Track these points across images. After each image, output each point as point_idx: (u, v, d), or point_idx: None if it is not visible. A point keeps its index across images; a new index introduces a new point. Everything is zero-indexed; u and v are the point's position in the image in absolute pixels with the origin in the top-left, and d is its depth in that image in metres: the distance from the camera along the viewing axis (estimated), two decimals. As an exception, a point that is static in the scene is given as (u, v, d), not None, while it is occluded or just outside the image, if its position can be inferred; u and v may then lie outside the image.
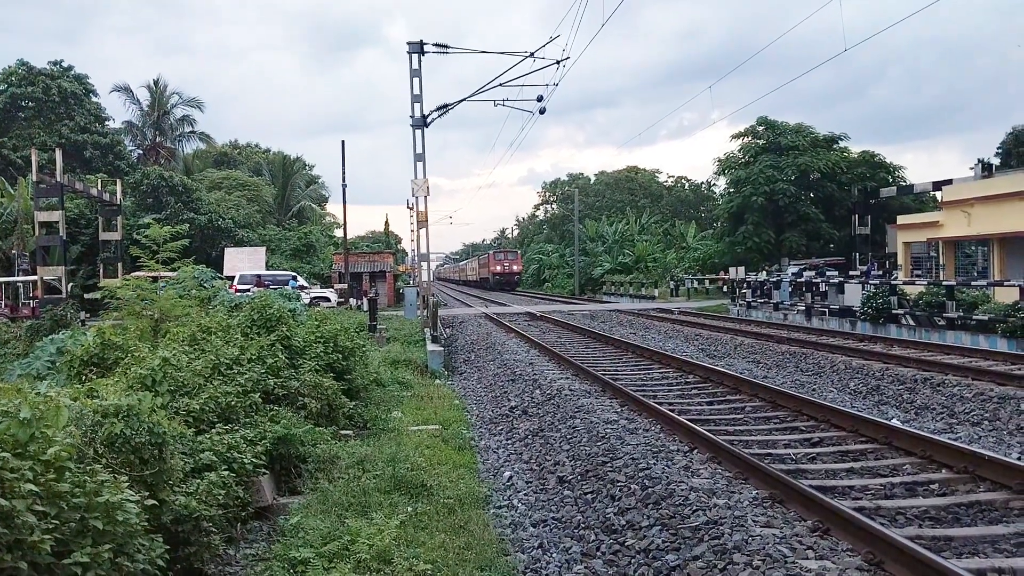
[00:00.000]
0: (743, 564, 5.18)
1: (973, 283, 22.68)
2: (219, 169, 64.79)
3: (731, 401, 11.56)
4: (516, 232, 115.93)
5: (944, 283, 22.02)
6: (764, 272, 36.33)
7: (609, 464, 8.04)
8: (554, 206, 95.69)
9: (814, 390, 13.06)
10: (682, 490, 6.73)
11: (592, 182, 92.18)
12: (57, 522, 3.83)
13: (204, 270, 21.46)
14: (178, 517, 5.29)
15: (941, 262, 31.47)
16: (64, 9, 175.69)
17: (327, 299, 37.33)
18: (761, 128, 47.17)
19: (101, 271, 36.66)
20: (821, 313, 26.19)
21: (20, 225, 38.83)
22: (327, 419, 10.00)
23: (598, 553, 6.21)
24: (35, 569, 3.63)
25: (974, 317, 19.51)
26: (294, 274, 39.65)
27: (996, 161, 41.21)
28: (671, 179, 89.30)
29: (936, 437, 8.32)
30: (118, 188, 38.73)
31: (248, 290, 27.47)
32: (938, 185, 33.12)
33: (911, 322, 21.76)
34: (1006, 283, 20.70)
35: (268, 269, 41.80)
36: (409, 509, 7.12)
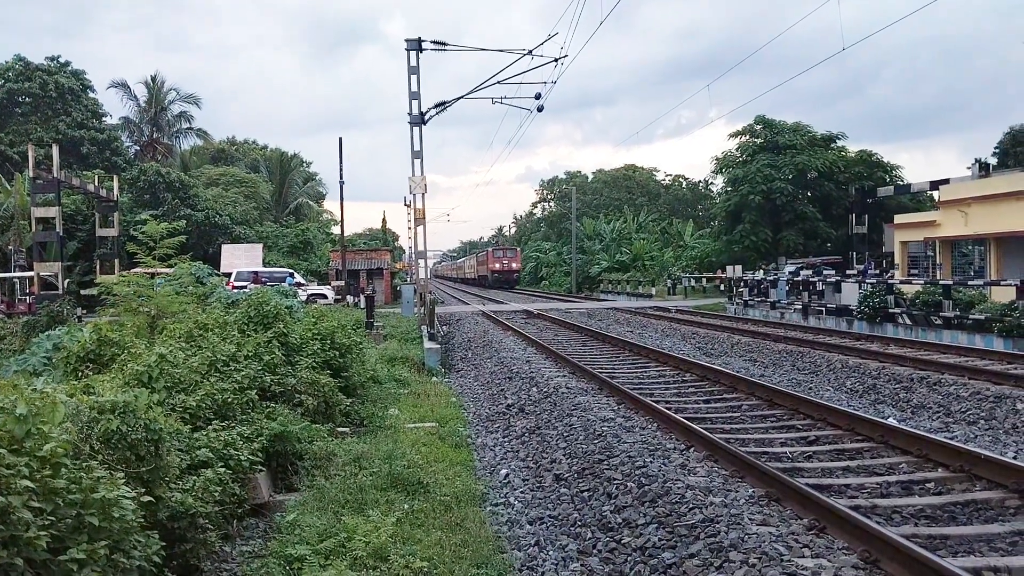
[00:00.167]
0: (739, 562, 5.19)
1: (970, 282, 22.73)
2: (216, 166, 64.65)
3: (728, 399, 11.57)
4: (514, 230, 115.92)
5: (941, 282, 22.06)
6: (761, 271, 36.36)
7: (606, 462, 8.05)
8: (552, 204, 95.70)
9: (811, 389, 13.08)
10: (678, 488, 6.74)
11: (590, 180, 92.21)
12: (53, 518, 3.83)
13: (201, 267, 21.43)
14: (174, 514, 5.29)
15: (938, 261, 31.53)
16: (62, 5, 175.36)
17: (324, 296, 37.27)
18: (759, 127, 47.22)
19: (98, 267, 36.57)
20: (818, 312, 26.22)
21: (16, 221, 38.75)
22: (324, 416, 10.00)
23: (594, 551, 6.22)
24: (31, 565, 3.63)
25: (970, 316, 19.55)
26: (291, 271, 39.59)
27: (993, 161, 41.29)
28: (669, 177, 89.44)
29: (932, 436, 8.34)
30: (115, 184, 38.62)
31: (245, 287, 27.42)
32: (935, 185, 33.15)
33: (908, 321, 21.80)
34: (1002, 283, 20.73)
35: (265, 266, 41.73)
36: (406, 506, 7.12)
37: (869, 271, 30.34)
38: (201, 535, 5.49)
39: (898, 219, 34.69)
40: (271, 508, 7.20)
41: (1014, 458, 8.06)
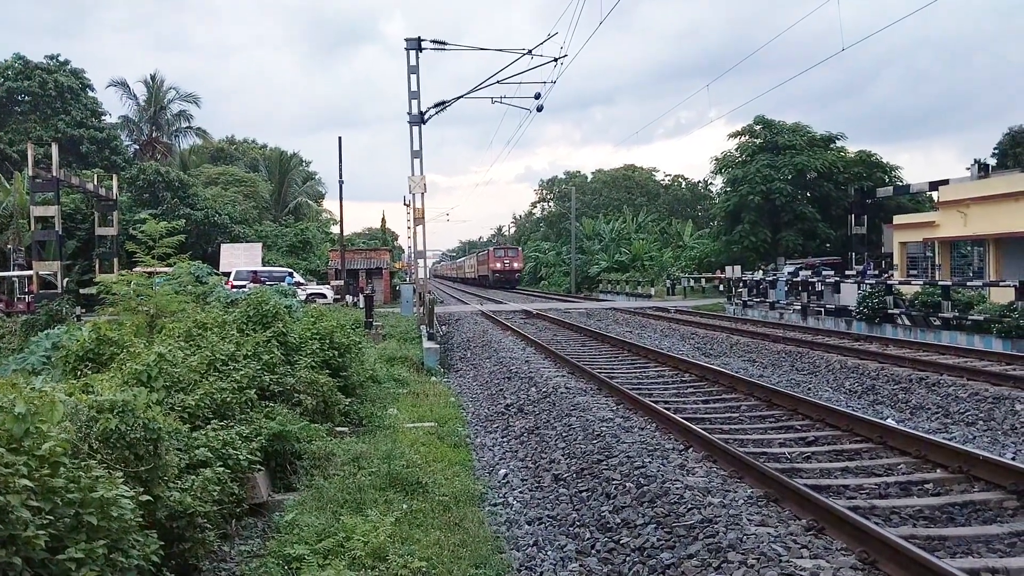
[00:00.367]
0: (738, 563, 5.19)
1: (969, 283, 22.73)
2: (216, 165, 64.59)
3: (727, 400, 11.57)
4: (513, 230, 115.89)
5: (940, 283, 22.07)
6: (760, 271, 36.36)
7: (604, 462, 8.05)
8: (551, 204, 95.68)
9: (809, 389, 13.08)
10: (677, 488, 6.74)
11: (589, 180, 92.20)
12: (51, 517, 3.83)
13: (200, 266, 21.41)
14: (173, 513, 5.29)
15: (937, 262, 31.55)
16: (62, 4, 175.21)
17: (323, 296, 37.25)
18: (758, 127, 47.24)
19: (97, 266, 36.54)
20: (817, 312, 26.23)
21: (16, 220, 38.71)
22: (323, 416, 9.99)
23: (593, 551, 6.22)
24: (29, 564, 3.63)
25: (969, 317, 19.56)
26: (290, 270, 39.59)
27: (992, 162, 41.31)
28: (668, 178, 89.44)
29: (931, 437, 8.34)
30: (114, 183, 38.61)
31: (244, 286, 27.42)
32: (935, 185, 33.18)
33: (907, 322, 21.81)
34: (1001, 283, 20.73)
35: (264, 265, 41.72)
36: (404, 506, 7.12)
37: (868, 272, 30.35)
38: (199, 534, 5.49)
39: (897, 220, 34.71)
40: (270, 508, 7.20)
41: (1012, 459, 8.07)
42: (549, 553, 6.38)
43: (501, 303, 41.28)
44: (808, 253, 42.82)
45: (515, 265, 69.67)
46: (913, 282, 24.76)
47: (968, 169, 33.91)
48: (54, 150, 31.89)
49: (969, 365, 13.70)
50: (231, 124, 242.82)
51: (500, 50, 26.64)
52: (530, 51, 25.67)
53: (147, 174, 46.45)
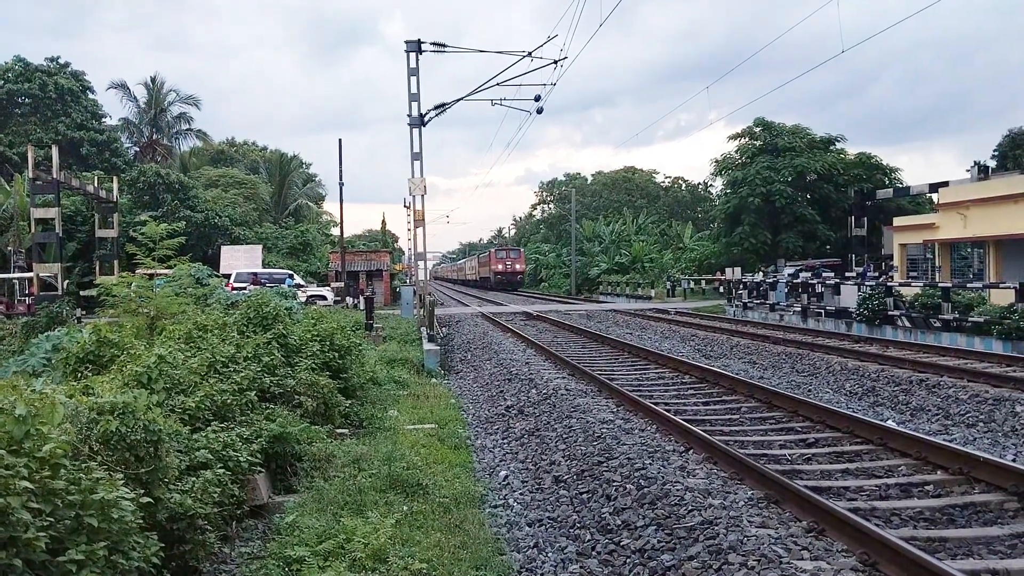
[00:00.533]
0: (738, 564, 5.19)
1: (969, 285, 22.73)
2: (216, 167, 64.63)
3: (727, 402, 11.57)
4: (513, 232, 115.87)
5: (940, 285, 22.07)
6: (760, 273, 36.37)
7: (605, 464, 8.05)
8: (551, 206, 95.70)
9: (810, 391, 13.08)
10: (677, 490, 6.74)
11: (589, 182, 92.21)
12: (52, 519, 3.83)
13: (200, 268, 21.45)
14: (173, 515, 5.29)
15: (937, 264, 31.55)
16: (62, 3, 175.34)
17: (323, 298, 37.27)
18: (758, 129, 47.25)
19: (97, 268, 36.55)
20: (817, 314, 26.23)
21: (16, 222, 38.73)
22: (323, 418, 9.99)
23: (593, 553, 6.22)
24: (30, 566, 3.63)
25: (970, 319, 19.56)
26: (291, 272, 39.59)
27: (992, 163, 41.30)
28: (668, 180, 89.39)
29: (931, 439, 8.34)
30: (114, 185, 38.63)
31: (244, 288, 27.43)
32: (934, 187, 33.20)
33: (907, 324, 21.81)
34: (1001, 285, 20.74)
35: (264, 267, 41.71)
36: (405, 508, 7.12)
37: (868, 273, 30.36)
38: (200, 536, 5.49)
39: (897, 221, 34.71)
40: (270, 509, 7.20)
41: (1013, 461, 8.07)
42: (549, 555, 6.38)
43: (501, 305, 41.28)
44: (808, 255, 42.83)
45: (517, 267, 68.46)
46: (913, 284, 24.76)
47: (968, 171, 33.87)
48: (54, 152, 31.92)
49: (969, 367, 13.70)
50: (231, 125, 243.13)
51: (500, 52, 26.65)
52: (530, 53, 25.71)
53: (147, 176, 46.47)
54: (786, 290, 29.66)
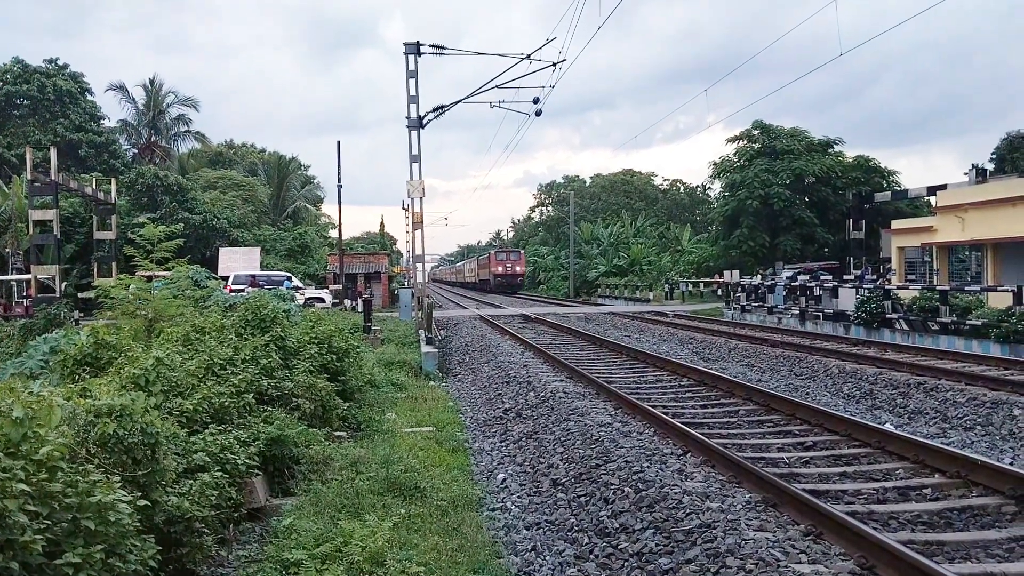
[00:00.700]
0: (736, 568, 5.19)
1: (967, 288, 22.75)
2: (214, 169, 64.61)
3: (725, 404, 11.57)
4: (511, 234, 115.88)
5: (938, 288, 22.09)
6: (759, 276, 36.39)
7: (603, 467, 8.04)
8: (549, 208, 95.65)
9: (808, 394, 13.09)
10: (675, 493, 6.74)
11: (587, 184, 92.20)
12: (49, 522, 3.82)
13: (199, 270, 21.41)
14: (170, 518, 5.28)
15: (935, 267, 31.58)
16: (61, 4, 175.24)
17: (322, 300, 37.28)
18: (756, 132, 47.30)
19: (95, 270, 36.53)
20: (815, 317, 26.25)
21: (14, 223, 38.69)
22: (321, 420, 9.98)
23: (591, 556, 6.21)
24: (27, 569, 3.62)
25: (967, 322, 19.58)
26: (289, 275, 39.57)
27: (990, 166, 41.38)
28: (666, 182, 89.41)
29: (929, 442, 8.34)
30: (113, 187, 38.62)
31: (243, 290, 27.42)
32: (933, 190, 33.20)
33: (905, 327, 21.83)
34: (999, 288, 20.77)
35: (263, 269, 41.69)
36: (402, 511, 7.11)
37: (866, 276, 30.40)
38: (197, 539, 5.48)
39: (895, 224, 34.75)
40: (267, 512, 7.19)
41: (1011, 464, 8.08)
42: (547, 558, 6.37)
43: (499, 307, 41.28)
44: (806, 258, 42.87)
45: (517, 269, 67.07)
46: (911, 287, 24.79)
47: (966, 174, 33.94)
48: (52, 154, 31.91)
49: (967, 370, 13.71)
50: (230, 126, 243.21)
51: (499, 54, 26.66)
52: (529, 55, 25.73)
53: (146, 178, 46.46)
54: (784, 293, 29.70)
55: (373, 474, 7.97)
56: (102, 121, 58.47)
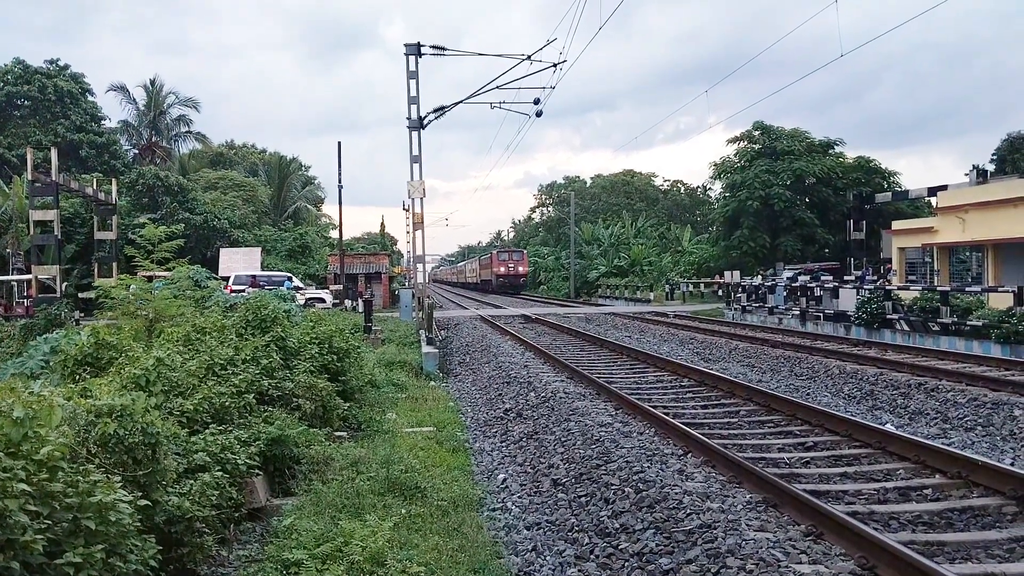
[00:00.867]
0: (736, 568, 5.19)
1: (967, 289, 22.75)
2: (215, 169, 64.64)
3: (725, 405, 11.57)
4: (512, 235, 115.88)
5: (938, 289, 22.09)
6: (759, 276, 36.39)
7: (603, 467, 8.04)
8: (550, 209, 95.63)
9: (808, 394, 13.09)
10: (676, 494, 6.73)
11: (588, 185, 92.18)
12: (50, 522, 3.82)
13: (199, 270, 21.42)
14: (171, 518, 5.28)
15: (936, 268, 31.58)
16: (61, 5, 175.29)
17: (322, 300, 37.30)
18: (757, 133, 47.31)
19: (96, 270, 36.56)
20: (816, 318, 26.25)
21: (15, 224, 38.74)
22: (321, 420, 9.98)
23: (592, 556, 6.21)
24: (27, 569, 3.62)
25: (968, 323, 19.58)
26: (289, 275, 39.59)
27: (991, 167, 41.40)
28: (667, 183, 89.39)
29: (930, 442, 8.34)
30: (113, 187, 38.65)
31: (243, 291, 27.44)
32: (933, 191, 33.24)
33: (905, 327, 21.82)
34: (1000, 289, 20.76)
35: (263, 270, 41.73)
36: (403, 511, 7.11)
37: (867, 277, 30.40)
38: (198, 539, 5.48)
39: (896, 225, 34.75)
40: (268, 512, 7.19)
41: (1011, 464, 8.08)
42: (548, 558, 6.37)
43: (500, 308, 41.28)
44: (807, 258, 42.88)
45: (520, 269, 65.96)
46: (912, 287, 24.78)
47: (967, 175, 33.96)
48: (53, 154, 31.94)
49: (968, 370, 13.71)
50: (230, 127, 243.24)
51: (500, 55, 26.67)
52: (529, 56, 25.74)
53: (146, 178, 46.49)
54: (785, 293, 29.69)
55: (374, 474, 7.97)
56: (103, 122, 58.52)
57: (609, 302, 48.23)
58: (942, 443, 8.93)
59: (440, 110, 27.48)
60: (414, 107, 26.30)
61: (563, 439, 9.66)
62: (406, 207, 47.10)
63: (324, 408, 10.17)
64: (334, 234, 61.04)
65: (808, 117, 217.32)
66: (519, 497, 8.11)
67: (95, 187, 36.69)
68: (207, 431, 6.90)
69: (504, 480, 8.78)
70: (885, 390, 12.93)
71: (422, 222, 27.43)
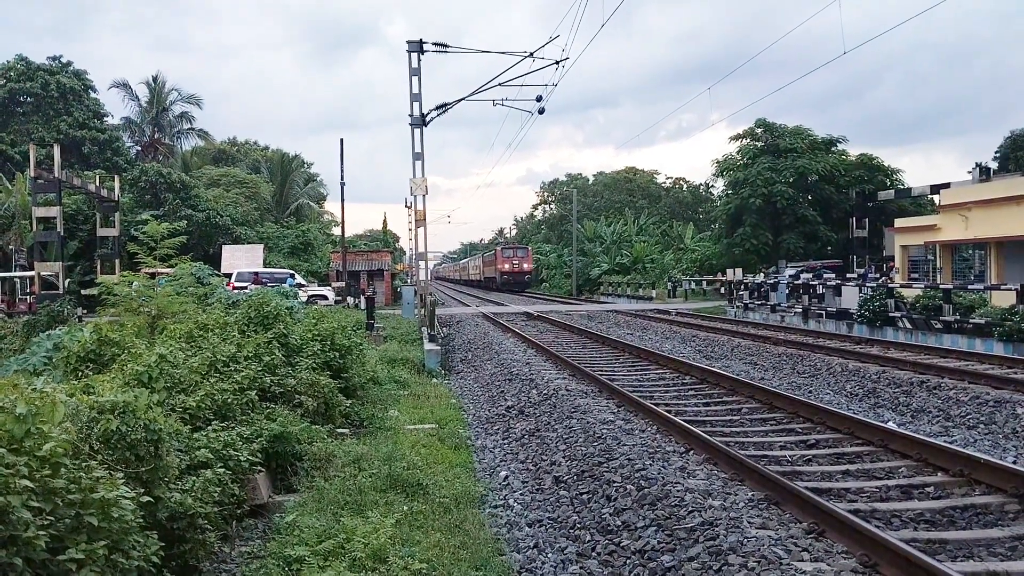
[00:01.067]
0: (738, 565, 5.19)
1: (970, 287, 22.71)
2: (217, 166, 64.65)
3: (728, 402, 11.56)
4: (514, 232, 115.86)
5: (941, 286, 22.06)
6: (761, 274, 36.36)
7: (605, 464, 8.04)
8: (552, 206, 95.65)
9: (810, 392, 13.07)
10: (678, 491, 6.74)
11: (590, 183, 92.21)
12: (52, 518, 3.83)
13: (202, 267, 21.46)
14: (173, 514, 5.29)
15: (938, 265, 31.54)
16: (62, 4, 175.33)
17: (324, 297, 37.29)
18: (759, 130, 47.21)
19: (98, 267, 36.61)
20: (818, 315, 26.23)
21: (18, 220, 38.79)
22: (323, 417, 9.99)
23: (593, 553, 6.22)
24: (30, 565, 3.63)
25: (971, 320, 19.55)
26: (292, 272, 39.60)
27: (994, 165, 41.29)
28: (669, 180, 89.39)
29: (932, 440, 8.34)
30: (116, 184, 38.67)
31: (246, 288, 27.45)
32: (936, 188, 33.18)
33: (908, 325, 21.80)
34: (1003, 287, 20.73)
35: (266, 267, 41.73)
36: (405, 508, 7.12)
37: (869, 275, 30.37)
38: (200, 536, 5.49)
39: (898, 223, 34.69)
40: (270, 509, 7.20)
41: (1014, 463, 8.07)
42: (549, 555, 6.38)
43: (502, 305, 41.28)
44: (809, 256, 42.82)
45: (525, 266, 64.92)
46: (914, 285, 24.75)
47: (969, 172, 33.89)
48: (56, 151, 31.96)
49: (970, 368, 13.69)
50: (232, 125, 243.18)
51: (502, 52, 26.61)
52: (531, 54, 25.69)
53: (149, 175, 46.50)
54: (787, 291, 29.67)
55: (376, 471, 7.98)
56: (105, 118, 58.55)
57: (611, 300, 48.22)
58: (944, 441, 8.91)
59: (442, 107, 27.46)
60: (416, 104, 26.28)
61: (565, 436, 9.67)
62: (408, 204, 47.09)
63: (326, 405, 10.18)
64: (336, 231, 61.10)
65: (810, 115, 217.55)
66: (521, 494, 8.12)
67: (98, 184, 36.70)
68: (209, 428, 6.91)
69: (506, 477, 8.79)
70: (887, 388, 12.92)
71: (424, 219, 27.41)
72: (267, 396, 9.18)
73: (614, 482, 7.47)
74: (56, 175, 31.18)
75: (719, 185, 56.23)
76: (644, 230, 65.56)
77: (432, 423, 11.32)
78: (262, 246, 47.04)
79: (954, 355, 15.97)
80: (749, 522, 5.95)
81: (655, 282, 48.70)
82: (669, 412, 10.12)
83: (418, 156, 26.43)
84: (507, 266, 64.27)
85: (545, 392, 12.57)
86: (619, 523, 6.56)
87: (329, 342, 11.97)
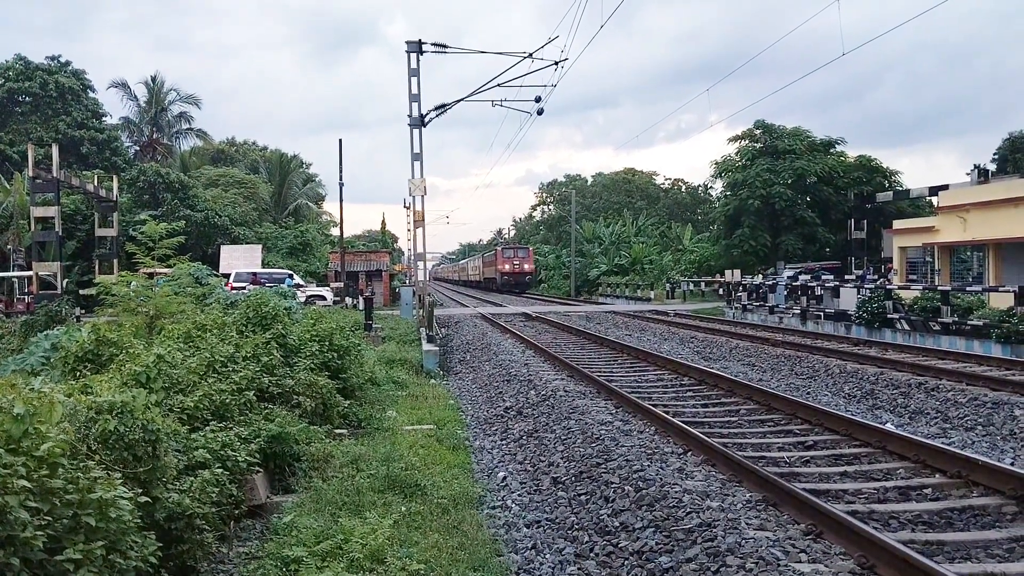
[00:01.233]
0: (736, 566, 5.19)
1: (968, 288, 22.74)
2: (216, 166, 64.62)
3: (726, 404, 11.57)
4: (513, 233, 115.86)
5: (939, 288, 22.08)
6: (760, 275, 36.38)
7: (603, 465, 8.04)
8: (551, 207, 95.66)
9: (808, 393, 13.08)
10: (676, 492, 6.74)
11: (589, 183, 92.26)
12: (50, 518, 3.83)
13: (200, 267, 21.45)
14: (171, 514, 5.28)
15: (936, 267, 31.57)
16: (62, 4, 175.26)
17: (323, 298, 37.28)
18: (758, 131, 47.27)
19: (97, 267, 36.57)
20: (816, 317, 26.24)
21: (16, 220, 38.73)
22: (321, 418, 9.99)
23: (591, 554, 6.22)
24: (28, 565, 3.63)
25: (969, 322, 19.57)
26: (290, 272, 39.60)
27: (993, 167, 41.35)
28: (668, 181, 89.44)
29: (930, 442, 8.34)
30: (114, 184, 38.64)
31: (244, 288, 27.43)
32: (934, 190, 33.21)
33: (906, 327, 21.82)
34: (1001, 289, 20.75)
35: (264, 267, 41.72)
36: (403, 508, 7.12)
37: (867, 276, 30.39)
38: (198, 536, 5.49)
39: (897, 224, 34.73)
40: (268, 509, 7.20)
41: (1011, 464, 8.08)
42: (547, 556, 6.38)
43: (500, 306, 41.28)
44: (808, 257, 42.86)
45: (526, 267, 63.78)
46: (913, 287, 24.78)
47: (968, 174, 33.92)
48: (54, 151, 31.92)
49: (968, 370, 13.70)
50: (231, 125, 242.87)
51: (501, 53, 26.66)
52: (531, 54, 25.73)
53: (147, 175, 46.47)
54: (785, 292, 29.69)
55: (374, 472, 7.98)
56: (104, 118, 58.44)
57: (610, 300, 48.22)
58: (942, 443, 8.92)
59: (441, 108, 27.48)
60: (415, 104, 26.30)
61: (563, 437, 9.67)
62: (407, 205, 47.07)
63: (324, 405, 10.18)
64: (335, 231, 60.99)
65: (809, 116, 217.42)
66: (519, 495, 8.12)
67: (96, 184, 36.67)
68: (207, 428, 6.91)
69: (504, 478, 8.79)
70: (885, 389, 12.93)
71: (423, 220, 27.43)
72: (265, 396, 9.17)
73: (612, 483, 7.47)
74: (54, 175, 31.14)
75: (718, 186, 56.38)
76: (643, 231, 65.59)
77: (430, 424, 11.32)
78: (260, 246, 47.03)
79: (952, 357, 15.99)
80: (747, 523, 5.95)
81: (653, 283, 48.72)
82: (667, 413, 10.12)
83: (417, 156, 26.45)
84: (508, 267, 63.44)
85: (543, 393, 12.57)
86: (617, 524, 6.56)
87: (327, 343, 11.97)
